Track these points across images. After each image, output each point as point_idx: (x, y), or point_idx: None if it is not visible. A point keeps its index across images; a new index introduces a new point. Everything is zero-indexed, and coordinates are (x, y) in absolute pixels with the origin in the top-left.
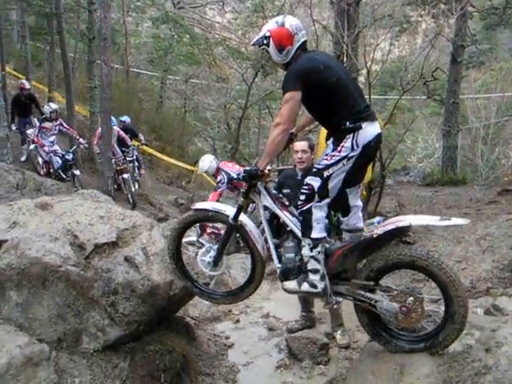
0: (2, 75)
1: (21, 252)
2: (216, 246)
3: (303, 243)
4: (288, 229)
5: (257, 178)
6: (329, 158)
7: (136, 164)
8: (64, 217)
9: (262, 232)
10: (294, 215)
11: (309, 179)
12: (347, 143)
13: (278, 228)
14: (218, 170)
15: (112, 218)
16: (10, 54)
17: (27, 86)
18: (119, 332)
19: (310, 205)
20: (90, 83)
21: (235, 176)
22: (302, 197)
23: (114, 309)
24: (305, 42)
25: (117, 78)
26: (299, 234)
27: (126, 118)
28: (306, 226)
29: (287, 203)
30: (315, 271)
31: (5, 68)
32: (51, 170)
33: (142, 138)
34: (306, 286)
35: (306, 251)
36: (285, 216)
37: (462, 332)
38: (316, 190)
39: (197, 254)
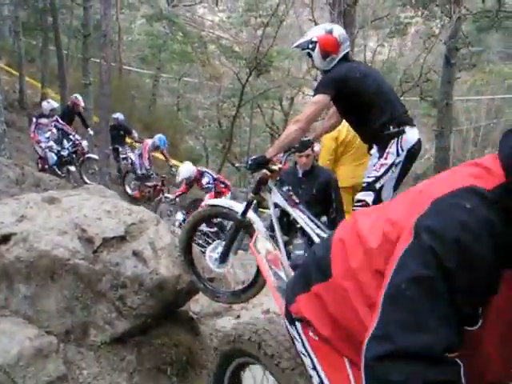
0: None
1: (30, 245)
2: (224, 243)
3: None
4: (298, 226)
5: (263, 166)
6: (378, 168)
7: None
8: (72, 211)
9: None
10: (304, 213)
11: (361, 195)
12: (392, 148)
13: (287, 225)
14: (201, 173)
15: (119, 213)
16: (3, 49)
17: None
18: (127, 325)
19: None
20: (85, 80)
21: (216, 176)
22: None
23: (122, 302)
24: (348, 52)
25: (110, 75)
26: (310, 231)
27: (118, 115)
28: None
29: (297, 201)
30: None
31: None
32: (46, 166)
33: (136, 136)
34: None
35: None
36: (296, 213)
37: None
38: (371, 204)
39: (206, 250)
